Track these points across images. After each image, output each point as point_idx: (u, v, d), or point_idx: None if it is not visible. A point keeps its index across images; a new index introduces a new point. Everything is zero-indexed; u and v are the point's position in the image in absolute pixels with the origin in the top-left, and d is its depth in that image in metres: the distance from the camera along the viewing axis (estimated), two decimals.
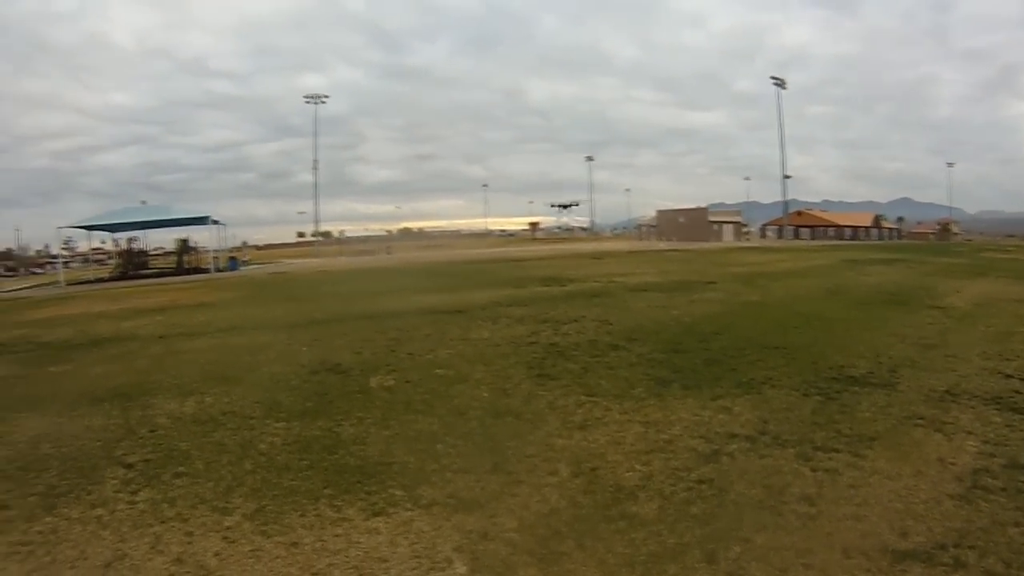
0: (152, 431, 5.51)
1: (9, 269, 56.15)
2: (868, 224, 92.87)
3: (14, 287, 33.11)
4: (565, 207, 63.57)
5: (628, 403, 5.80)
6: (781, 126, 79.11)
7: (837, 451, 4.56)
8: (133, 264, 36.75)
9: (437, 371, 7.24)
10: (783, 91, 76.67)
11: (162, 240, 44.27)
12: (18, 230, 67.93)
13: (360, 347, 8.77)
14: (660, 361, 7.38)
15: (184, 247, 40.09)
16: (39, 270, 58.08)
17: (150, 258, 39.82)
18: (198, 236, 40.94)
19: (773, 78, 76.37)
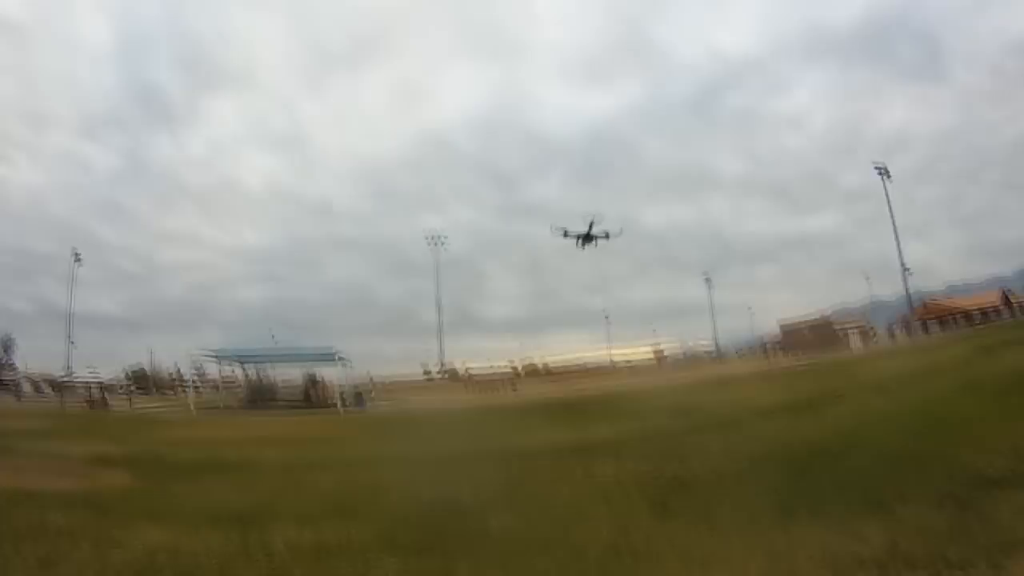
0: (268, 555, 5.80)
1: (141, 388, 61.93)
2: (996, 302, 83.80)
3: (146, 405, 36.51)
4: (588, 239, 46.78)
5: (752, 535, 5.54)
6: (892, 216, 74.48)
7: (973, 565, 4.23)
8: (261, 395, 39.60)
9: (557, 510, 7.19)
10: (889, 179, 73.14)
11: (289, 373, 47.63)
12: (152, 352, 75.72)
13: (481, 485, 8.87)
14: (787, 487, 7.03)
15: (311, 381, 42.84)
16: (170, 392, 63.38)
17: (278, 390, 42.77)
18: (325, 371, 43.60)
19: (875, 165, 73.28)
